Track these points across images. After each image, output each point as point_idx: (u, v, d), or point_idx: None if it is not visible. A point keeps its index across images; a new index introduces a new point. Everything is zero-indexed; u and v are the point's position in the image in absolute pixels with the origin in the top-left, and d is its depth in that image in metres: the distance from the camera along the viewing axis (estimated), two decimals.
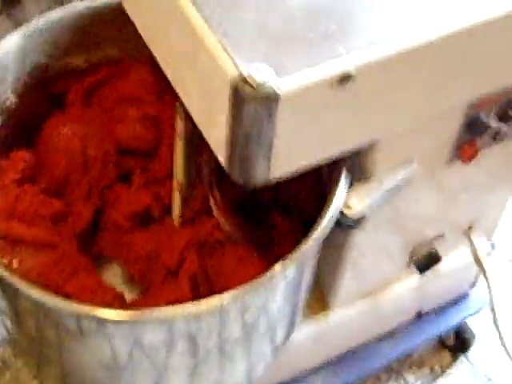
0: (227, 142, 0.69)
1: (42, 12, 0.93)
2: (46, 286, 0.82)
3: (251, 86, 0.65)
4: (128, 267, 0.95)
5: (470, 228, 1.06)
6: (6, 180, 0.88)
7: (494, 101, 0.86)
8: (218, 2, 0.70)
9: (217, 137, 0.71)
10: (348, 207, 0.82)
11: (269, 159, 0.70)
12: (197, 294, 0.86)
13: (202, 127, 0.75)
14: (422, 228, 1.00)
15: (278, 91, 0.65)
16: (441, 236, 1.03)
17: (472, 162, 0.92)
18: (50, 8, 0.96)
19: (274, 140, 0.69)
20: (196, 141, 0.87)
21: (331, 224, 0.79)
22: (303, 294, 0.88)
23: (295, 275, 0.81)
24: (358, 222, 0.83)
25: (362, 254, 0.96)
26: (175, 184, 0.91)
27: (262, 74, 0.65)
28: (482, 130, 0.88)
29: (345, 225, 0.82)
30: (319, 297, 1.03)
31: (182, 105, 0.79)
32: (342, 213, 0.81)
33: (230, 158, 0.70)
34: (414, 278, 1.07)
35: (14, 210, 0.87)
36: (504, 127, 0.90)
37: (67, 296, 0.83)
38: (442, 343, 1.29)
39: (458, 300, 1.20)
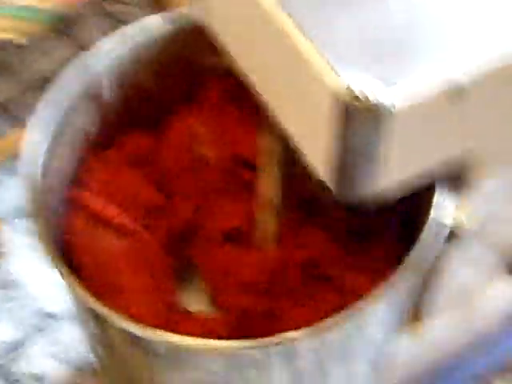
0: (332, 161, 0.65)
1: (104, 33, 0.88)
2: None
3: (361, 100, 0.60)
4: (212, 282, 0.90)
5: None
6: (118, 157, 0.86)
7: None
8: (315, 14, 0.66)
9: (319, 156, 0.67)
10: (459, 225, 0.77)
11: (375, 174, 0.65)
12: None
13: (300, 145, 0.70)
14: None
15: (390, 107, 0.60)
16: None
17: None
18: (113, 28, 0.92)
19: (381, 155, 0.64)
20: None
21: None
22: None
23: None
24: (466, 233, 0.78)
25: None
26: (269, 206, 0.87)
27: (371, 87, 0.60)
28: None
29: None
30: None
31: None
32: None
33: (335, 176, 0.66)
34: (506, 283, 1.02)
35: (114, 190, 0.84)
36: None
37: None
38: None
39: None
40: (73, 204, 0.85)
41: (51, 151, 0.83)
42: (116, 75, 0.90)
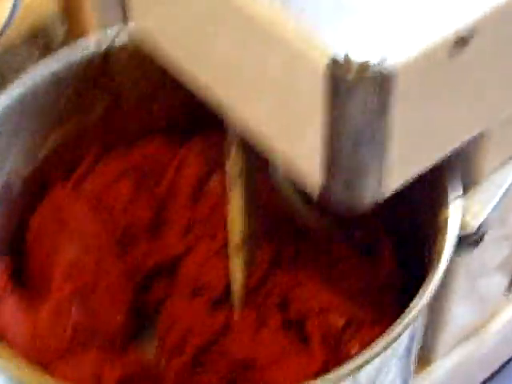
0: (327, 154, 0.52)
1: None
2: None
3: (356, 67, 0.47)
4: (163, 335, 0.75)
5: None
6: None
7: None
8: None
9: (309, 154, 0.54)
10: (468, 221, 0.64)
11: (382, 166, 0.53)
12: None
13: (280, 152, 0.57)
14: None
15: (391, 68, 0.48)
16: None
17: None
18: None
19: (388, 137, 0.51)
20: (254, 184, 0.69)
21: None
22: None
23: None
24: (481, 237, 0.65)
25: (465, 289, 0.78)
26: (232, 249, 0.73)
27: (364, 51, 0.48)
28: None
29: (465, 244, 0.65)
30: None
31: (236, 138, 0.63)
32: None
33: (331, 175, 0.53)
34: None
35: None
36: None
37: None
38: None
39: None
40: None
41: None
42: None
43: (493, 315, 0.89)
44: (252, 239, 0.72)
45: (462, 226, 0.64)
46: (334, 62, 0.48)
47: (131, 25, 0.67)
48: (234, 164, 0.67)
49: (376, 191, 0.54)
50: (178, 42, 0.62)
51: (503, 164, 0.68)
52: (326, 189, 0.54)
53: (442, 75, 0.52)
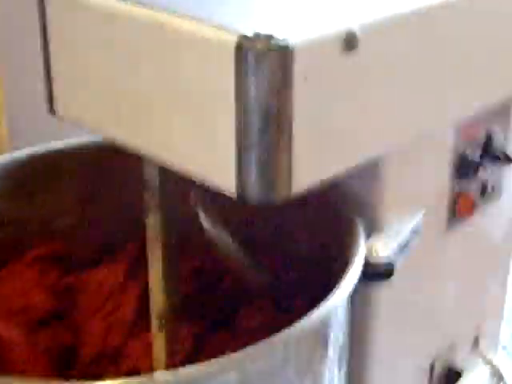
0: (238, 142, 0.57)
1: None
2: None
3: (262, 39, 0.55)
4: None
5: (476, 339, 0.94)
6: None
7: (476, 133, 0.79)
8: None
9: (221, 152, 0.58)
10: (374, 253, 0.69)
11: (291, 150, 0.58)
12: None
13: (192, 166, 0.62)
14: (434, 331, 0.86)
15: (291, 44, 0.55)
16: (454, 348, 0.90)
17: (469, 226, 0.83)
18: None
19: (294, 117, 0.57)
20: (175, 244, 0.72)
21: (358, 273, 0.66)
22: None
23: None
24: (388, 272, 0.69)
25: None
26: (154, 320, 0.74)
27: (266, 31, 0.55)
28: (470, 173, 0.80)
29: (374, 275, 0.69)
30: None
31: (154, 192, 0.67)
32: (367, 264, 0.68)
33: (243, 164, 0.58)
34: None
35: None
36: (489, 173, 0.83)
37: None
38: None
39: None
40: None
41: None
42: None
43: None
44: (175, 312, 0.73)
45: (368, 260, 0.68)
46: (244, 37, 0.55)
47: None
48: (152, 226, 0.70)
49: (287, 181, 0.58)
50: (98, 112, 0.68)
51: (402, 214, 0.74)
52: (241, 181, 0.58)
53: (338, 72, 0.59)
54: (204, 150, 0.60)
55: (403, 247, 0.72)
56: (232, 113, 0.57)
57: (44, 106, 0.73)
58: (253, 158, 0.57)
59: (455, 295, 0.87)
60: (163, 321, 0.72)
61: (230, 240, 0.74)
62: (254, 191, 0.58)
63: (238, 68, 0.55)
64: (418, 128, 0.70)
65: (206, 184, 0.61)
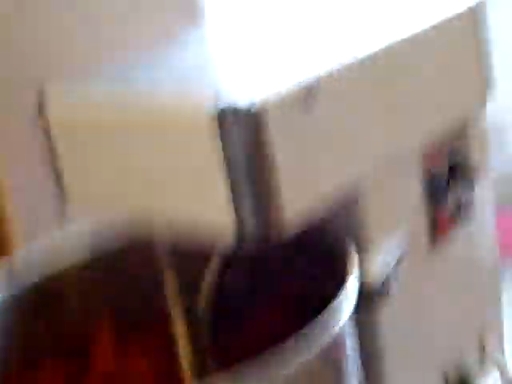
0: (232, 193, 0.66)
1: None
2: None
3: (234, 110, 0.64)
4: None
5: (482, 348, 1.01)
6: None
7: (440, 155, 0.88)
8: None
9: (219, 207, 0.67)
10: (367, 274, 0.76)
11: (279, 194, 0.66)
12: None
13: (198, 223, 0.70)
14: (440, 346, 0.93)
15: (263, 107, 0.64)
16: (463, 357, 0.96)
17: (451, 242, 0.90)
18: None
19: (275, 167, 0.66)
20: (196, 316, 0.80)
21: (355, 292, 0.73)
22: None
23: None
24: (384, 288, 0.76)
25: None
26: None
27: (239, 99, 0.64)
28: (443, 194, 0.88)
29: (372, 294, 0.76)
30: None
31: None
32: (363, 284, 0.76)
33: (240, 213, 0.66)
34: None
35: None
36: (460, 193, 0.91)
37: None
38: None
39: None
40: None
41: None
42: None
43: None
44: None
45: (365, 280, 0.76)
46: (222, 111, 0.64)
47: None
48: (169, 283, 0.78)
49: (280, 221, 0.67)
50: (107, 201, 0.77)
51: (385, 237, 0.82)
52: (238, 226, 0.66)
53: (302, 123, 0.68)
54: (203, 208, 0.69)
55: (394, 267, 0.79)
56: (222, 172, 0.65)
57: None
58: (246, 206, 0.66)
59: (453, 308, 0.94)
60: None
61: None
62: (252, 236, 0.66)
63: (221, 136, 0.64)
64: (381, 155, 0.79)
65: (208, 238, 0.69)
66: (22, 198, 1.10)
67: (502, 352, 1.04)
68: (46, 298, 0.86)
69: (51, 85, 0.78)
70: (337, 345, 0.72)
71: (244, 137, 0.64)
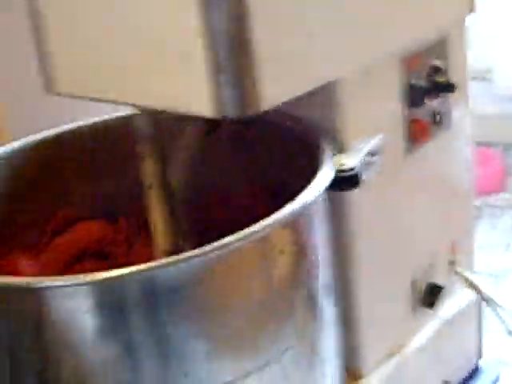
0: (211, 69, 0.69)
1: None
2: None
3: None
4: None
5: (452, 262, 1.05)
6: None
7: (420, 65, 0.91)
8: None
9: (197, 81, 0.70)
10: (341, 165, 0.80)
11: (255, 73, 0.69)
12: None
13: (175, 102, 0.73)
14: (411, 249, 0.97)
15: None
16: (433, 267, 1.00)
17: (425, 151, 0.94)
18: None
19: (253, 44, 0.68)
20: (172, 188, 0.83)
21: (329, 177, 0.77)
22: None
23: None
24: (354, 180, 0.80)
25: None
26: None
27: None
28: (419, 101, 0.92)
29: (343, 182, 0.79)
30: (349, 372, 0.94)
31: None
32: (336, 173, 0.79)
33: (218, 87, 0.69)
34: (427, 329, 1.01)
35: None
36: (437, 102, 0.94)
37: None
38: None
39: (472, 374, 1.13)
40: None
41: None
42: None
43: (413, 332, 1.00)
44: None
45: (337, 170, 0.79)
46: None
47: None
48: (147, 174, 0.82)
49: (256, 98, 0.70)
50: (92, 81, 0.80)
51: (362, 137, 0.85)
52: (218, 101, 0.69)
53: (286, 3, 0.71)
54: (183, 86, 0.72)
55: (367, 161, 0.83)
56: (203, 46, 0.68)
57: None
58: (225, 79, 0.69)
59: (425, 216, 0.98)
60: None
61: None
62: (230, 109, 0.70)
63: (205, 8, 0.67)
64: (365, 56, 0.82)
65: (190, 113, 0.72)
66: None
67: (471, 271, 1.08)
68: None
69: None
70: (308, 225, 0.76)
71: (227, 9, 0.67)
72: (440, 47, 0.94)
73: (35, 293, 0.68)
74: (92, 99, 0.81)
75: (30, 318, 0.70)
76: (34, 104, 1.04)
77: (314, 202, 0.75)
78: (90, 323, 0.68)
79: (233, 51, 0.68)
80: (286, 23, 0.72)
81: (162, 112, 0.74)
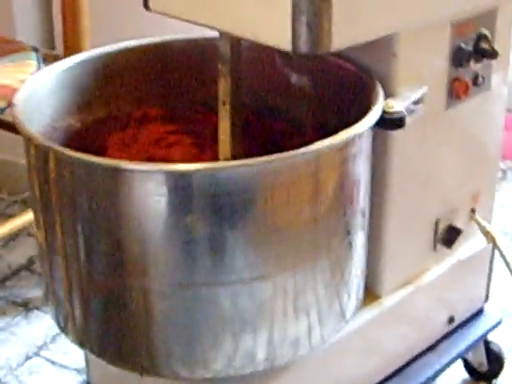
0: (292, 10, 0.81)
1: None
2: None
3: None
4: None
5: (473, 211, 1.17)
6: None
7: (469, 31, 1.03)
8: None
9: (278, 18, 0.82)
10: (390, 106, 0.92)
11: (330, 18, 0.82)
12: None
13: (257, 33, 0.86)
14: (438, 193, 1.10)
15: None
16: (455, 213, 1.13)
17: (464, 108, 1.06)
18: None
19: None
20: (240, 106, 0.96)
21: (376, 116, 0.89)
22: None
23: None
24: (400, 122, 0.92)
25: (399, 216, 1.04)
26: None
27: None
28: (464, 62, 1.04)
29: (389, 122, 0.92)
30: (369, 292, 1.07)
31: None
32: (384, 113, 0.91)
33: (296, 26, 0.82)
34: (442, 265, 1.14)
35: None
36: (480, 66, 1.06)
37: None
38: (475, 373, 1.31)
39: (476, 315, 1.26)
40: None
41: None
42: None
43: (430, 266, 1.13)
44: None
45: (385, 110, 0.92)
46: None
47: None
48: (222, 89, 0.95)
49: (328, 39, 0.82)
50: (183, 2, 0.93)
51: (410, 87, 0.98)
52: (295, 40, 0.82)
53: None
54: (266, 20, 0.85)
55: (411, 109, 0.95)
56: None
57: None
58: (303, 21, 0.81)
59: (454, 165, 1.10)
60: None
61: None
62: (304, 46, 0.82)
63: None
64: (423, 15, 0.94)
65: (268, 45, 0.85)
66: None
67: (489, 221, 1.21)
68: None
69: None
70: (355, 153, 0.89)
71: None
72: (489, 17, 1.05)
73: (122, 173, 0.82)
74: (182, 19, 0.94)
75: (112, 194, 0.83)
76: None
77: (363, 134, 0.88)
78: (160, 206, 0.82)
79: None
80: None
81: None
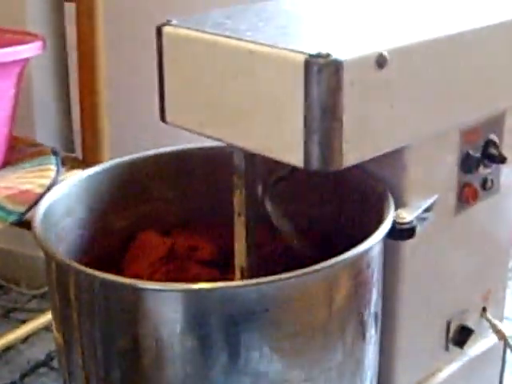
0: (305, 130, 0.84)
1: None
2: None
3: (321, 58, 0.82)
4: None
5: (484, 309, 1.19)
6: None
7: (477, 137, 1.06)
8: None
9: (291, 136, 0.85)
10: (400, 217, 0.95)
11: (342, 137, 0.85)
12: None
13: (270, 149, 0.88)
14: (449, 295, 1.11)
15: (342, 59, 0.82)
16: (466, 312, 1.15)
17: (473, 212, 1.08)
18: None
19: (343, 114, 0.84)
20: (254, 217, 0.99)
21: (387, 228, 0.92)
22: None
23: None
24: (411, 232, 0.95)
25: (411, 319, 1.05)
26: (237, 272, 1.00)
27: (324, 51, 0.83)
28: (473, 168, 1.06)
29: (400, 233, 0.94)
30: None
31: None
32: (395, 224, 0.94)
33: (309, 145, 0.84)
34: (454, 364, 1.15)
35: None
36: (488, 170, 1.09)
37: None
38: None
39: None
40: None
41: None
42: None
43: (442, 366, 1.14)
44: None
45: (396, 221, 0.94)
46: (310, 56, 0.82)
47: None
48: (237, 201, 0.97)
49: (339, 157, 0.85)
50: (200, 117, 0.96)
51: (420, 196, 1.00)
52: (307, 155, 0.85)
53: (373, 81, 0.86)
54: (280, 138, 0.87)
55: (422, 218, 0.98)
56: (301, 109, 0.84)
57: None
58: (315, 140, 0.84)
59: (465, 267, 1.12)
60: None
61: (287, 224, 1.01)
62: (316, 163, 0.85)
63: (306, 77, 0.83)
64: (432, 127, 0.97)
65: (281, 161, 0.88)
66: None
67: (500, 319, 1.22)
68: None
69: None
70: (368, 266, 0.91)
71: (324, 82, 0.82)
72: (496, 122, 1.08)
73: (139, 292, 0.85)
74: (196, 133, 0.97)
75: (129, 310, 0.86)
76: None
77: (375, 247, 0.90)
78: (176, 321, 0.84)
79: (325, 117, 0.83)
80: (373, 98, 0.87)
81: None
